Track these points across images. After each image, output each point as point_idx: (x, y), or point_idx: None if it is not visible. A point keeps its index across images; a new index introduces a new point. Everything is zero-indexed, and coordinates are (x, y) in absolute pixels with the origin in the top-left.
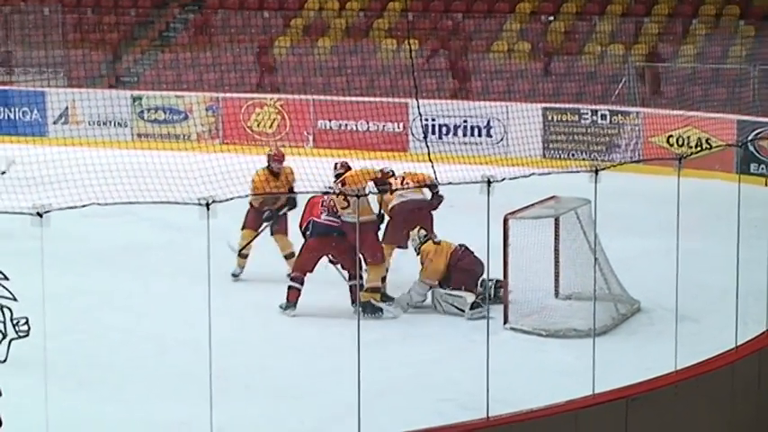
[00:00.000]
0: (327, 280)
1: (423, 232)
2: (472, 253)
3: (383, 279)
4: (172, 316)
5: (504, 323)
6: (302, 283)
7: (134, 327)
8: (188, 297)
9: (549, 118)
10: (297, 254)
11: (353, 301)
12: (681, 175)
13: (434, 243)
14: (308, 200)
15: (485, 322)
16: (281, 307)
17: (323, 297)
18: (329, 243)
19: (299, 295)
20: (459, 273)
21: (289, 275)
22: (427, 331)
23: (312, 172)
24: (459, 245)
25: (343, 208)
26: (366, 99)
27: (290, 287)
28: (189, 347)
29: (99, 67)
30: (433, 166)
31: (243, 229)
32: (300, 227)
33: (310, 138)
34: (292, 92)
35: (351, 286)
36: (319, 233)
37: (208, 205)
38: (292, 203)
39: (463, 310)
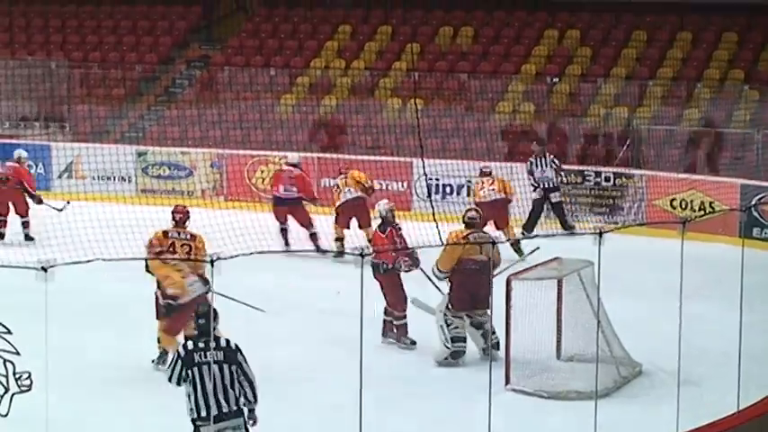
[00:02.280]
0: (329, 338)
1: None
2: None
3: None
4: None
5: (506, 384)
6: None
7: (137, 382)
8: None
9: None
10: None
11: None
12: (684, 238)
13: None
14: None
15: (486, 382)
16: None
17: (323, 355)
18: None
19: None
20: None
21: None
22: (428, 390)
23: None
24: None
25: None
26: (370, 158)
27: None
28: None
29: (104, 122)
30: (437, 226)
31: None
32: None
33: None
34: (296, 149)
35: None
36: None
37: (212, 262)
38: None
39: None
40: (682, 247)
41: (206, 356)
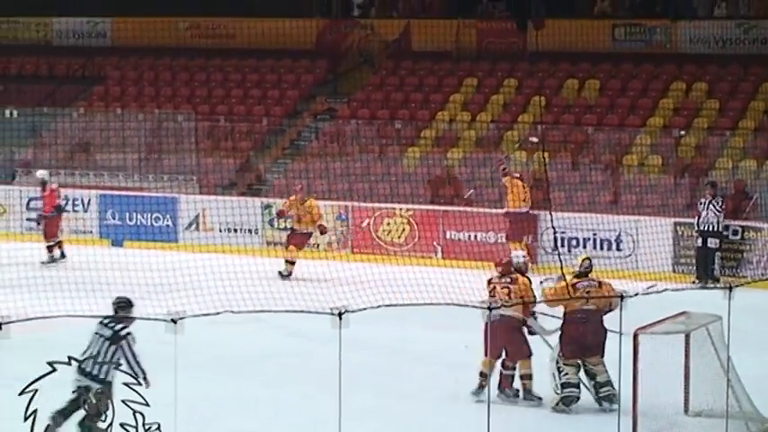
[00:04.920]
0: (455, 393)
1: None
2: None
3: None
4: (300, 424)
5: None
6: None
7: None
8: (317, 405)
9: (680, 233)
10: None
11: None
12: None
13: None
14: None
15: None
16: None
17: (450, 410)
18: None
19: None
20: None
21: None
22: None
23: (440, 283)
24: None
25: None
26: (495, 210)
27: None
28: None
29: (231, 175)
30: (564, 279)
31: None
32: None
33: (439, 248)
34: (422, 202)
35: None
36: None
37: (341, 315)
38: None
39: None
40: None
41: None
